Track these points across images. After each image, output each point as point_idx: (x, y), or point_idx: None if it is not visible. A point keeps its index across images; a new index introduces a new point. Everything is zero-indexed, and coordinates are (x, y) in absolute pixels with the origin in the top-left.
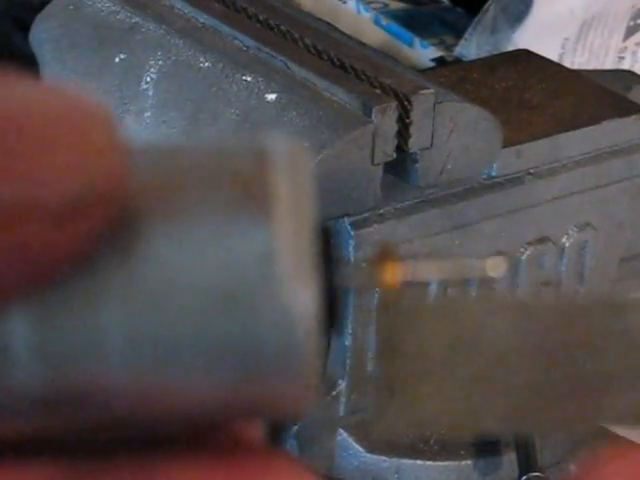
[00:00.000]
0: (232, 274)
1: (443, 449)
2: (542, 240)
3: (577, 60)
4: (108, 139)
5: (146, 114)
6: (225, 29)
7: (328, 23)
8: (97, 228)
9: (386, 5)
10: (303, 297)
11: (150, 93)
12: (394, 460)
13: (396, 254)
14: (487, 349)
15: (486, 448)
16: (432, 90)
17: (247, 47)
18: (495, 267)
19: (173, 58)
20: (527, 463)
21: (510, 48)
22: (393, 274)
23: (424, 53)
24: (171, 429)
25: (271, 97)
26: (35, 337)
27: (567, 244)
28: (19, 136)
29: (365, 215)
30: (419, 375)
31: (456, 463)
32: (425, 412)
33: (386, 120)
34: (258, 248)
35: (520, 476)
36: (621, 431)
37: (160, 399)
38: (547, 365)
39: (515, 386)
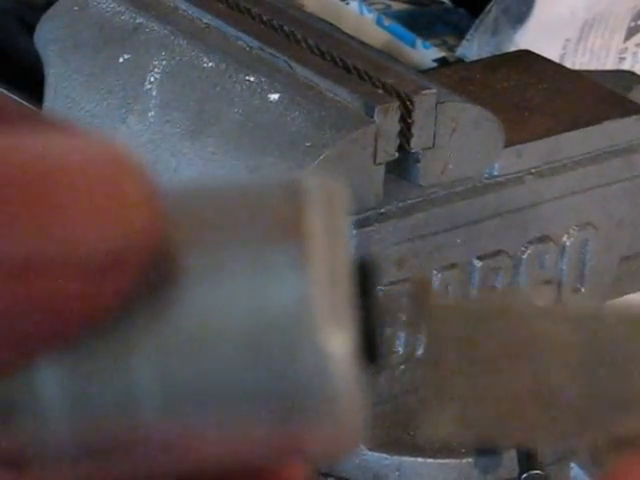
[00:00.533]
0: (267, 319)
1: (444, 447)
2: (543, 239)
3: (578, 61)
4: (141, 190)
5: (150, 114)
6: (229, 30)
7: (331, 24)
8: (132, 281)
9: (388, 6)
10: (340, 341)
11: (154, 93)
12: (395, 458)
13: (431, 287)
14: (543, 359)
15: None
16: (434, 90)
17: (250, 47)
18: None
19: (177, 58)
20: (527, 461)
21: (512, 49)
22: (425, 288)
23: (426, 54)
24: (210, 473)
25: (274, 97)
26: (70, 387)
27: (568, 243)
28: (53, 189)
29: (367, 214)
30: (471, 383)
31: (457, 461)
32: (476, 420)
33: (388, 120)
34: (293, 292)
35: (520, 474)
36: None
37: (198, 446)
38: (606, 378)
39: (569, 399)
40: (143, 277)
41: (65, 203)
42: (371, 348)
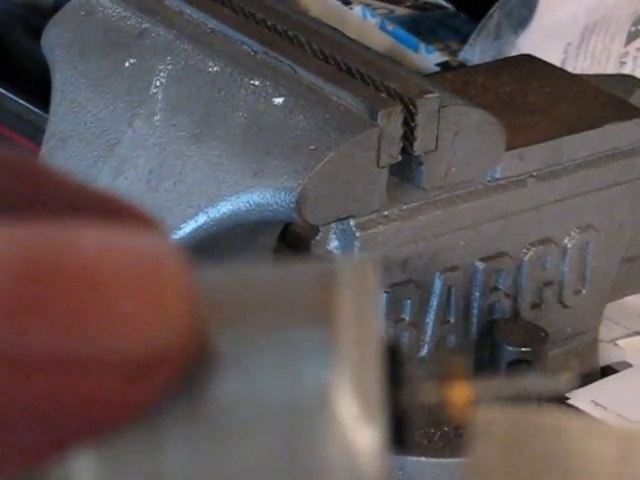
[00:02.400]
0: (296, 409)
1: (447, 446)
2: (544, 241)
3: (579, 65)
4: (181, 288)
5: (155, 117)
6: (233, 34)
7: (335, 28)
8: (169, 380)
9: (392, 11)
10: (368, 436)
11: (159, 97)
12: (398, 457)
13: (464, 372)
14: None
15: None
16: (437, 94)
17: (255, 52)
18: (564, 384)
19: (182, 63)
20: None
21: (513, 53)
22: (461, 393)
23: (429, 58)
24: None
25: (278, 101)
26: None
27: (569, 245)
28: (94, 287)
29: (370, 217)
30: None
31: (460, 460)
32: None
33: (391, 123)
34: (322, 381)
35: None
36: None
37: None
38: None
39: None
40: (179, 373)
41: (106, 302)
42: (400, 433)
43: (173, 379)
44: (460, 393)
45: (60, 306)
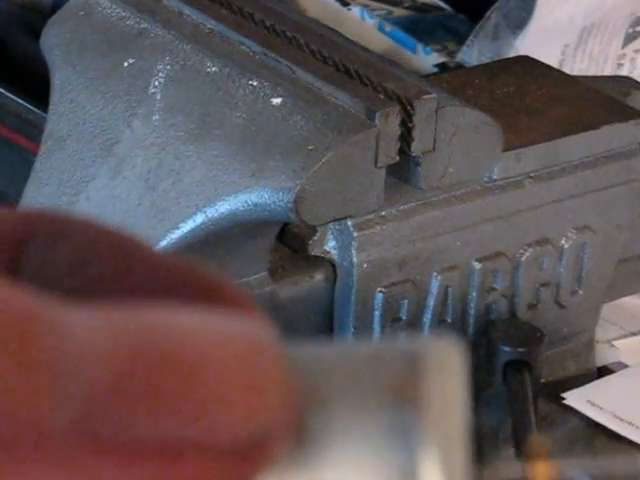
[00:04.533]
0: None
1: None
2: (541, 242)
3: (577, 66)
4: (278, 373)
5: (154, 117)
6: (232, 35)
7: (333, 29)
8: (266, 466)
9: (390, 12)
10: None
11: (158, 97)
12: None
13: (546, 450)
14: None
15: (483, 446)
16: (434, 95)
17: (253, 52)
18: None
19: (181, 63)
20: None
21: (511, 54)
22: (546, 471)
23: (427, 59)
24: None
25: (277, 101)
26: None
27: (566, 246)
28: (196, 373)
29: (368, 217)
30: None
31: None
32: None
33: (389, 124)
34: (409, 466)
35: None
36: (620, 430)
37: None
38: None
39: None
40: (277, 456)
41: (211, 389)
42: None
43: (272, 462)
44: (543, 472)
45: (168, 393)
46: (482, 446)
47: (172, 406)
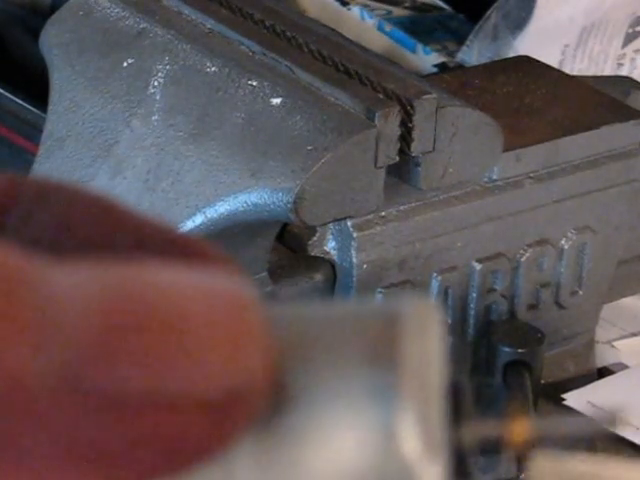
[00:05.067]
0: (360, 450)
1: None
2: (541, 242)
3: (577, 66)
4: (258, 327)
5: (153, 117)
6: (232, 34)
7: (333, 29)
8: (246, 420)
9: (390, 12)
10: (432, 472)
11: (157, 97)
12: None
13: (525, 411)
14: None
15: (485, 446)
16: (434, 95)
17: (253, 52)
18: (616, 423)
19: (180, 63)
20: (526, 461)
21: (511, 54)
22: (522, 431)
23: (427, 59)
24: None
25: (276, 101)
26: None
27: (566, 246)
28: (178, 327)
29: (367, 217)
30: None
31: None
32: None
33: (389, 124)
34: (386, 424)
35: (519, 473)
36: (622, 432)
37: None
38: None
39: None
40: (257, 410)
41: (189, 342)
42: (462, 468)
43: (251, 416)
44: (519, 430)
45: (150, 347)
46: (456, 405)
47: (154, 359)
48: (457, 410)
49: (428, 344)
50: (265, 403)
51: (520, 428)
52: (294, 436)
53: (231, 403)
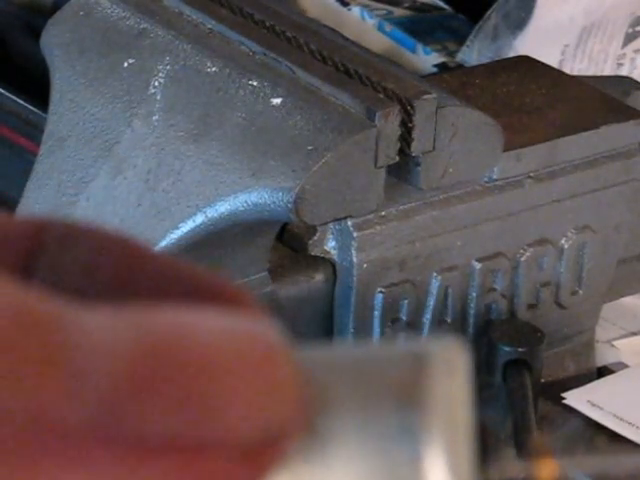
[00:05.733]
0: None
1: None
2: (541, 242)
3: (577, 66)
4: (289, 372)
5: (154, 117)
6: (232, 35)
7: (333, 29)
8: (276, 463)
9: (390, 12)
10: None
11: (158, 97)
12: None
13: (550, 449)
14: None
15: (485, 445)
16: (434, 95)
17: (253, 52)
18: None
19: (181, 63)
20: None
21: (511, 54)
22: (549, 470)
23: (427, 59)
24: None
25: (277, 101)
26: None
27: (566, 246)
28: (207, 374)
29: (368, 217)
30: None
31: None
32: None
33: (389, 124)
34: (415, 463)
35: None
36: (620, 430)
37: None
38: None
39: None
40: (287, 454)
41: (221, 387)
42: None
43: (282, 460)
44: (547, 470)
45: (182, 391)
46: (483, 445)
47: (186, 404)
48: (486, 450)
49: (455, 384)
50: (297, 447)
51: (547, 469)
52: (325, 478)
53: (264, 449)
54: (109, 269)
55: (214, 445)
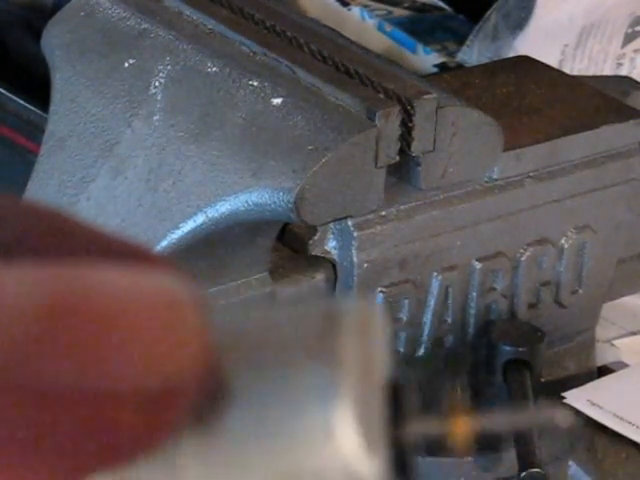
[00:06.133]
0: (301, 446)
1: (444, 445)
2: (541, 241)
3: (576, 66)
4: (194, 324)
5: (155, 117)
6: (232, 35)
7: (333, 29)
8: (183, 411)
9: (390, 12)
10: (370, 465)
11: (159, 97)
12: None
13: (467, 406)
14: None
15: (486, 445)
16: (434, 95)
17: (254, 52)
18: (563, 418)
19: (181, 63)
20: (527, 459)
21: (511, 54)
22: (464, 426)
23: (427, 59)
24: None
25: (277, 101)
26: None
27: (566, 245)
28: (110, 328)
29: (368, 217)
30: None
31: (457, 459)
32: None
33: (389, 124)
34: (326, 419)
35: (520, 472)
36: (620, 429)
37: None
38: None
39: None
40: (192, 405)
41: (124, 338)
42: (402, 468)
43: (188, 412)
44: (461, 426)
45: (82, 345)
46: (398, 403)
47: (90, 355)
48: (400, 408)
49: (367, 342)
50: (207, 401)
51: (462, 425)
52: (236, 434)
53: (166, 395)
54: (34, 236)
55: (112, 394)
